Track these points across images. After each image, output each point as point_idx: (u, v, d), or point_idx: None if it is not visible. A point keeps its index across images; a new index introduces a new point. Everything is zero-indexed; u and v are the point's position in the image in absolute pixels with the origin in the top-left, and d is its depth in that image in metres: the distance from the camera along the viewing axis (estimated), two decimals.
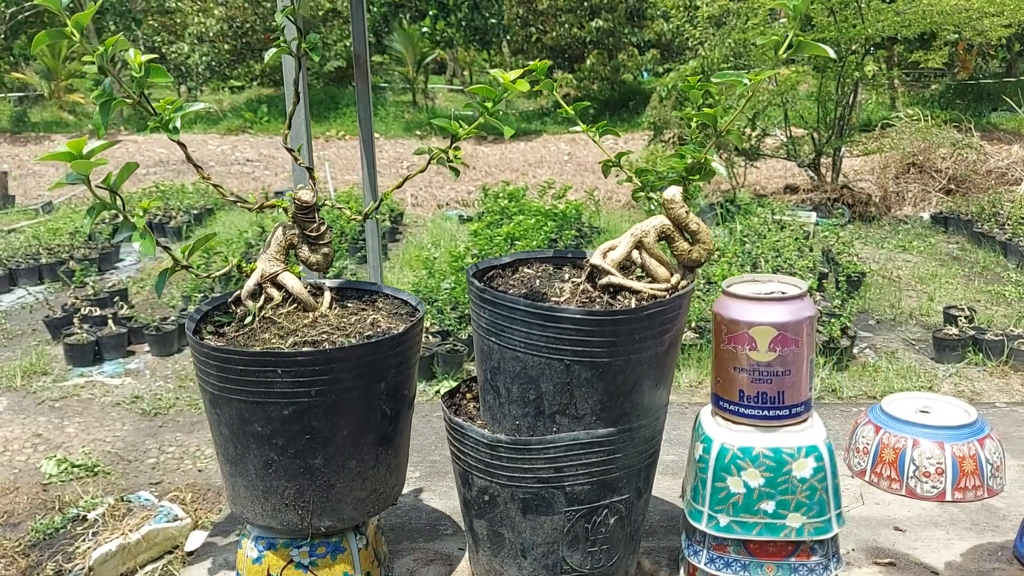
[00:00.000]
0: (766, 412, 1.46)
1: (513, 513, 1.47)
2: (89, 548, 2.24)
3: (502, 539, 1.50)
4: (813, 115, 8.90)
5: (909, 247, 7.24)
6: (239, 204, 1.53)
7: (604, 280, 1.49)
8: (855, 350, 4.62)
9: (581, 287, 1.52)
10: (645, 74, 15.63)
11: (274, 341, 1.45)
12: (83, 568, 2.13)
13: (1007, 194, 8.22)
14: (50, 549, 2.39)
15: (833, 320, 4.56)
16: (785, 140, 9.30)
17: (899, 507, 1.83)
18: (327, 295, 1.57)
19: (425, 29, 15.16)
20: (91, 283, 5.56)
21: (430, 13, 14.78)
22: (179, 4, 14.80)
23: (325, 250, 1.54)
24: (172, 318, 4.64)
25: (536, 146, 12.72)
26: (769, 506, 1.44)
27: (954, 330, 4.57)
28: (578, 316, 1.37)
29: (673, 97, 9.11)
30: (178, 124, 1.45)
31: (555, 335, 1.38)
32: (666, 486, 1.95)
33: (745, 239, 6.78)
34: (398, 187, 1.53)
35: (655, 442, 1.53)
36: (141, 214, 1.42)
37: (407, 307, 1.62)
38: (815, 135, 9.02)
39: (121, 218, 1.44)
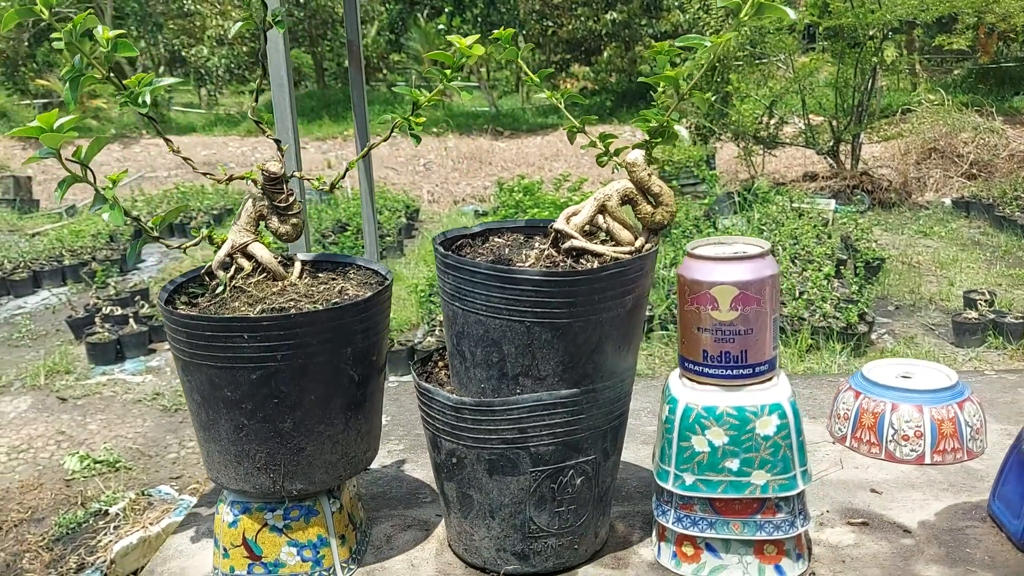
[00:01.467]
0: (729, 371, 1.46)
1: (480, 474, 1.49)
2: (111, 542, 2.30)
3: (471, 500, 1.52)
4: (831, 102, 8.83)
5: (930, 232, 7.17)
6: (208, 177, 1.56)
7: (567, 244, 1.51)
8: (873, 336, 4.60)
9: (546, 253, 1.53)
10: None
11: (243, 309, 1.48)
12: (105, 561, 2.18)
13: None
14: (73, 543, 2.45)
15: (851, 306, 4.54)
16: (803, 128, 9.23)
17: (877, 471, 1.83)
18: (297, 265, 1.60)
19: (441, 26, 15.22)
20: (113, 283, 5.67)
21: (446, 10, 14.84)
22: (198, 7, 14.96)
23: (294, 220, 1.57)
24: None
25: (552, 140, 12.73)
26: (734, 464, 1.45)
27: (974, 314, 4.53)
28: (536, 277, 1.39)
29: (687, 86, 9.09)
30: (147, 99, 1.49)
31: (515, 297, 1.40)
32: (645, 454, 1.97)
33: (763, 227, 6.76)
34: (362, 156, 1.56)
35: (621, 404, 1.54)
36: (111, 186, 1.45)
37: (378, 277, 1.65)
38: (834, 122, 8.94)
39: (96, 195, 1.48)
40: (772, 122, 9.08)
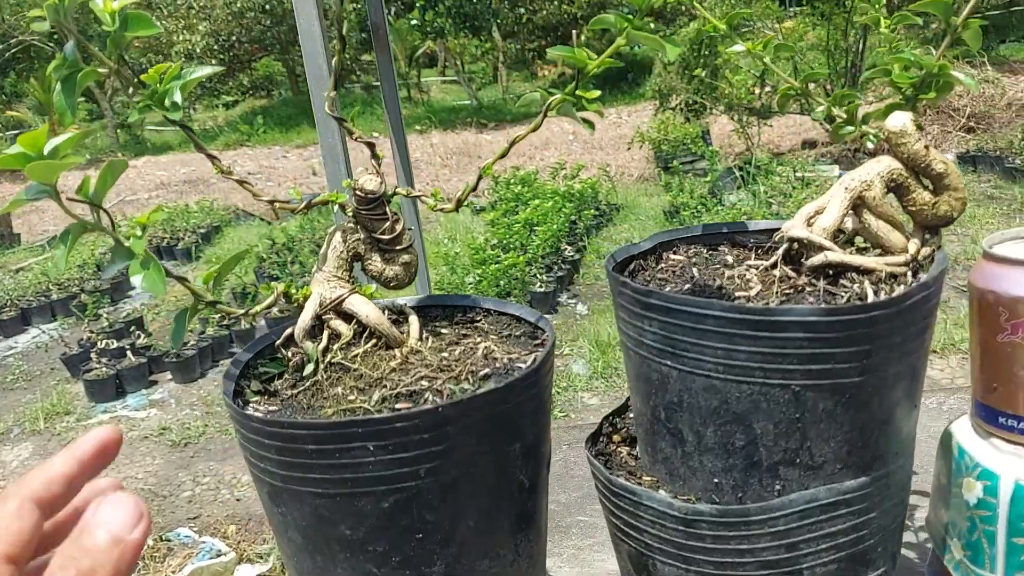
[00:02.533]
0: None
1: None
2: None
3: None
4: (823, 66, 8.52)
5: None
6: (277, 205, 1.07)
7: (817, 259, 1.02)
8: None
9: (779, 273, 1.05)
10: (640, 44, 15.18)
11: (353, 398, 0.99)
12: None
13: None
14: None
15: None
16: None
17: None
18: (414, 321, 1.10)
19: (414, 21, 14.68)
20: (105, 315, 5.35)
21: (417, 4, 14.28)
22: (163, 22, 14.33)
23: (405, 258, 1.08)
24: (192, 342, 4.42)
25: (540, 128, 12.29)
26: None
27: None
28: (813, 319, 0.91)
29: (677, 63, 8.78)
30: (177, 99, 0.99)
31: (775, 350, 0.91)
32: None
33: (771, 200, 6.40)
34: (502, 156, 1.08)
35: (907, 488, 1.07)
36: (139, 234, 0.95)
37: (522, 325, 1.16)
38: (827, 86, 8.68)
39: (113, 243, 0.98)
40: (765, 91, 8.77)
